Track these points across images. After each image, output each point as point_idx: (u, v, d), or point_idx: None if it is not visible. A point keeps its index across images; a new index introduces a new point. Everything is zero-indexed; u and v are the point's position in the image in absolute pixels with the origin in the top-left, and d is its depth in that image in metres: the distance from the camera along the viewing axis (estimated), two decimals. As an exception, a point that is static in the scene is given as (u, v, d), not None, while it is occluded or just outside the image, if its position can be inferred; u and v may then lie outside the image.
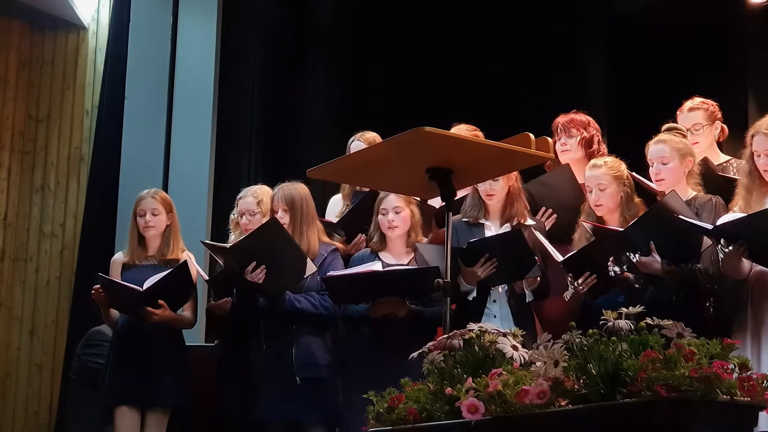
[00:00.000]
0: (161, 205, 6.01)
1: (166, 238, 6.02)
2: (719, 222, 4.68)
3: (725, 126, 5.90)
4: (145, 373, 5.80)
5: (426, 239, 5.72)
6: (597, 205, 5.19)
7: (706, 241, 4.80)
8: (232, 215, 6.28)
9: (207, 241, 6.04)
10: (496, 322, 5.12)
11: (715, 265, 4.79)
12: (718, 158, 5.78)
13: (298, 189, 5.72)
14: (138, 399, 5.81)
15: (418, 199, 5.59)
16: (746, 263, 4.72)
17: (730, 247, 4.52)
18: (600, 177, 5.18)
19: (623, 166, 5.26)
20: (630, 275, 4.90)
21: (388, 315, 5.40)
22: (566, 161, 5.93)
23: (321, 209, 6.33)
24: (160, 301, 5.71)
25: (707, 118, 5.82)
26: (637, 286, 4.92)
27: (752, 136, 4.88)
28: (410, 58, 8.41)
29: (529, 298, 5.33)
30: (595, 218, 5.22)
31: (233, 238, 6.15)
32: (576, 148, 5.94)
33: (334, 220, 6.21)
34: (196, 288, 6.00)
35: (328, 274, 5.47)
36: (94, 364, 6.53)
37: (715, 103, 5.88)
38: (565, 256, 5.06)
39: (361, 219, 5.83)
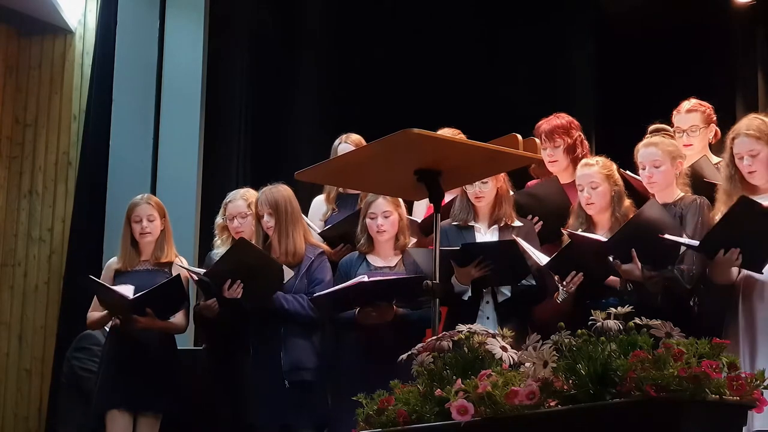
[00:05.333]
0: (156, 211, 6.02)
1: (160, 242, 6.03)
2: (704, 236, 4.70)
3: (718, 129, 5.91)
4: (137, 377, 5.80)
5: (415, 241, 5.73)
6: (588, 204, 5.20)
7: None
8: (217, 220, 6.26)
9: (184, 266, 6.02)
10: (489, 323, 5.13)
11: (698, 266, 4.81)
12: (711, 160, 5.78)
13: (282, 191, 5.71)
14: (130, 403, 5.80)
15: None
16: (734, 269, 4.73)
17: (719, 255, 4.55)
18: (593, 175, 5.20)
19: (614, 167, 5.28)
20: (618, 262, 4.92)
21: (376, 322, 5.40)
22: (554, 171, 5.95)
23: (308, 210, 6.34)
24: (148, 310, 5.70)
25: (704, 121, 5.82)
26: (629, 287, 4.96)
27: (733, 139, 4.89)
28: (398, 60, 8.42)
29: (502, 297, 5.33)
30: (585, 218, 5.23)
31: (219, 243, 6.14)
32: (561, 157, 5.95)
33: (317, 224, 6.20)
34: (189, 291, 6.00)
35: (316, 294, 5.47)
36: (83, 369, 6.53)
37: (710, 106, 5.88)
38: (548, 259, 5.07)
39: (344, 234, 5.85)
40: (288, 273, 5.50)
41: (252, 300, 5.54)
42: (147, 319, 5.73)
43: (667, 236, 4.72)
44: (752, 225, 4.52)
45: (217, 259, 5.76)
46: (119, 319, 5.82)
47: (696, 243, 4.68)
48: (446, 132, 5.79)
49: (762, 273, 4.67)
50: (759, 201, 4.60)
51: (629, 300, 4.64)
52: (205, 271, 5.74)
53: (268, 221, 5.66)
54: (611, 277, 5.02)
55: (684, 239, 4.78)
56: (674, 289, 4.87)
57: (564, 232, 5.18)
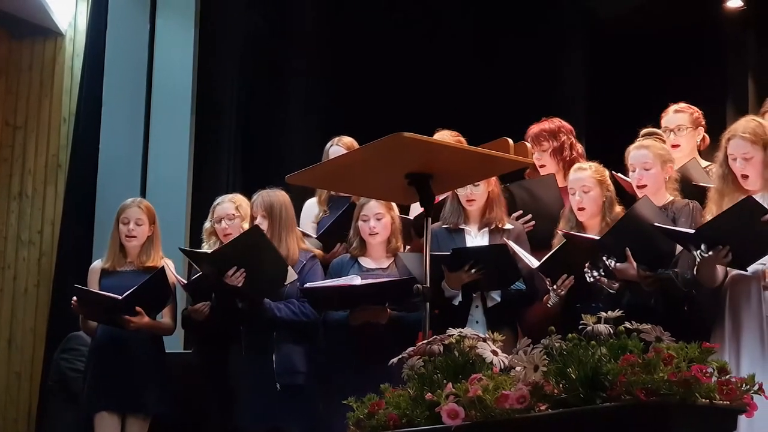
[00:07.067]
0: (145, 215, 6.01)
1: (146, 247, 6.02)
2: (702, 225, 4.70)
3: (707, 136, 5.92)
4: (126, 380, 5.80)
5: (408, 247, 5.72)
6: (580, 208, 5.19)
7: (679, 246, 4.82)
8: (206, 225, 6.25)
9: (185, 248, 6.02)
10: (479, 327, 5.12)
11: (692, 270, 4.80)
12: (700, 163, 5.80)
13: (278, 196, 5.71)
14: (118, 405, 5.80)
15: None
16: (720, 270, 4.73)
17: (710, 253, 4.53)
18: (585, 179, 5.19)
19: (607, 173, 5.28)
20: (605, 280, 4.91)
21: (369, 322, 5.39)
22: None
23: (300, 213, 6.33)
24: (138, 308, 5.70)
25: (692, 122, 5.84)
26: (612, 291, 4.93)
27: (728, 140, 4.87)
28: (391, 64, 8.42)
29: (492, 302, 5.33)
30: (575, 222, 5.22)
31: (206, 247, 6.12)
32: (549, 160, 5.95)
33: (309, 225, 6.20)
34: (176, 294, 5.99)
35: (306, 285, 5.46)
36: (72, 369, 6.52)
37: (700, 111, 5.91)
38: (540, 261, 5.07)
39: (339, 231, 5.84)
40: (291, 275, 5.48)
41: (249, 294, 5.51)
42: (138, 319, 5.72)
43: (658, 224, 4.72)
44: (749, 227, 4.51)
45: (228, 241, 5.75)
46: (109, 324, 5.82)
47: (691, 231, 4.67)
48: (446, 134, 5.79)
49: (746, 270, 4.67)
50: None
51: (618, 303, 4.64)
52: (212, 251, 5.73)
53: (262, 224, 5.64)
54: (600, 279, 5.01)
55: (677, 227, 4.78)
56: (670, 290, 4.86)
57: (559, 232, 5.17)
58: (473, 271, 5.17)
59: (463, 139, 5.64)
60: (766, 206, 4.52)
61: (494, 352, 3.09)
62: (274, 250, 5.49)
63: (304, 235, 5.96)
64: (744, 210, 4.52)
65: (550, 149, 5.93)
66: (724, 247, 4.51)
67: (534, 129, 5.97)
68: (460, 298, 5.27)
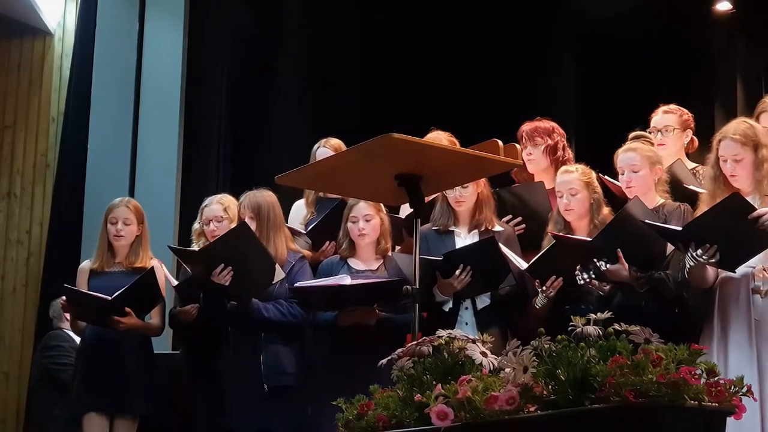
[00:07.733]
0: (133, 215, 5.99)
1: (135, 247, 5.99)
2: (688, 223, 4.70)
3: (696, 138, 5.93)
4: (114, 380, 5.78)
5: (398, 248, 5.72)
6: (567, 210, 5.19)
7: (671, 247, 4.83)
8: (195, 225, 6.24)
9: (174, 246, 6.01)
10: (468, 329, 5.12)
11: (683, 272, 4.81)
12: (686, 165, 5.81)
13: (265, 196, 5.70)
14: (107, 406, 5.79)
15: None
16: (711, 272, 4.73)
17: (698, 252, 4.53)
18: (572, 182, 5.20)
19: (593, 175, 5.29)
20: (596, 283, 4.91)
21: (358, 323, 5.39)
22: (533, 171, 5.95)
23: (288, 214, 6.32)
24: (127, 309, 5.68)
25: (680, 124, 5.86)
26: (602, 294, 4.93)
27: (719, 141, 4.88)
28: (381, 65, 8.42)
29: (482, 304, 5.33)
30: (563, 224, 5.22)
31: (195, 248, 6.10)
32: (541, 157, 5.95)
33: (297, 227, 6.19)
34: (164, 295, 5.98)
35: (296, 284, 5.45)
36: (58, 364, 6.51)
37: (689, 113, 5.92)
38: (528, 263, 5.07)
39: (330, 227, 5.83)
40: (280, 273, 5.47)
41: (237, 293, 5.50)
42: (127, 319, 5.71)
43: (649, 221, 4.72)
44: (736, 224, 4.50)
45: (216, 239, 5.75)
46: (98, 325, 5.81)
47: (678, 228, 4.68)
48: (441, 135, 5.78)
49: (735, 272, 4.68)
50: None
51: (609, 304, 4.65)
52: (199, 248, 5.72)
53: (249, 225, 5.64)
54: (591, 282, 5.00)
55: (666, 225, 4.79)
56: (662, 290, 4.87)
57: (550, 233, 5.17)
58: (464, 275, 5.16)
59: (456, 141, 5.64)
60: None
61: (483, 354, 3.09)
62: (262, 247, 5.48)
63: (294, 233, 5.95)
64: (731, 206, 4.52)
65: (545, 146, 5.92)
66: (711, 246, 4.52)
67: (529, 126, 5.97)
68: (450, 305, 5.27)
